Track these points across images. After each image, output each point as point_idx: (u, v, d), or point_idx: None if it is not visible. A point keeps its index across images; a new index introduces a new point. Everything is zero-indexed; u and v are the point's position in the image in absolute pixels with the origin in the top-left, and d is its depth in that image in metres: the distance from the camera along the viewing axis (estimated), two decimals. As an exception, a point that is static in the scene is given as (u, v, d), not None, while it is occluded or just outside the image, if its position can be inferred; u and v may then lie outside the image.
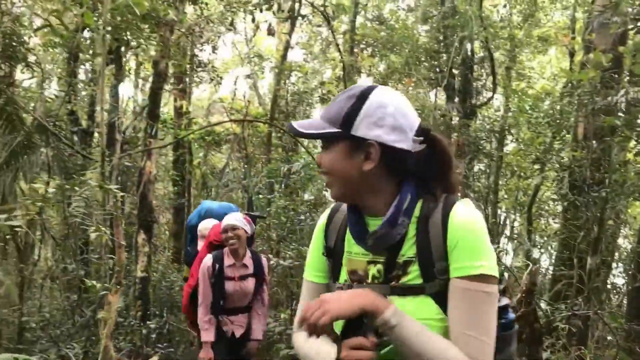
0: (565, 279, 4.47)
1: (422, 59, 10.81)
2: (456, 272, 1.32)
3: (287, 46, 10.81)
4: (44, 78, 6.49)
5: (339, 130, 1.39)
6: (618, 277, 9.82)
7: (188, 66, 10.84)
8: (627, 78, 4.86)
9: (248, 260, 4.12)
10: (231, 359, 4.01)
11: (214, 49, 11.33)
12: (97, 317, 2.89)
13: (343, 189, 1.45)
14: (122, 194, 3.81)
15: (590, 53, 4.61)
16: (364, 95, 1.40)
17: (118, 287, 2.86)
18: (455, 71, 11.08)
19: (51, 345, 5.19)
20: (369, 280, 1.44)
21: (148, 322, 5.97)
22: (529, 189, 11.76)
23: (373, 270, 1.44)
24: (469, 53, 11.15)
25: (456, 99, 10.92)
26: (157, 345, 5.57)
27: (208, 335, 3.92)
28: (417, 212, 1.41)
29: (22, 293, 6.29)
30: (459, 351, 1.28)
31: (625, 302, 7.85)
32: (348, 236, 1.51)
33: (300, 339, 1.55)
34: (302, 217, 6.46)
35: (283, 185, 8.18)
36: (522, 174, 11.65)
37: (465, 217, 1.35)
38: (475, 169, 10.45)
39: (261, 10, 7.34)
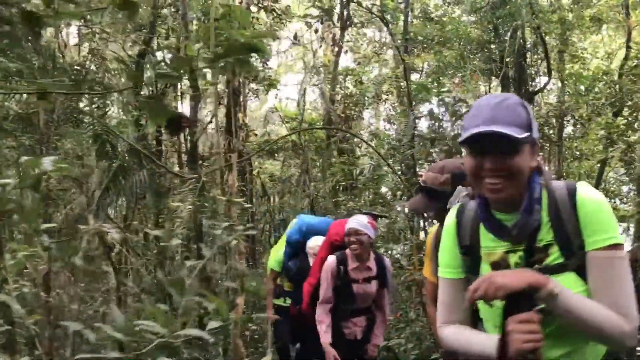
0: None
1: (475, 51, 10.87)
2: (593, 245, 1.52)
3: (339, 51, 11.06)
4: (124, 106, 6.95)
5: (528, 133, 1.56)
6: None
7: (243, 79, 11.24)
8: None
9: (372, 262, 4.12)
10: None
11: (267, 59, 11.70)
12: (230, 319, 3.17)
13: (518, 188, 1.58)
14: (248, 205, 4.11)
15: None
16: (523, 103, 1.63)
17: (242, 291, 3.15)
18: (507, 59, 11.11)
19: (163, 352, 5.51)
20: (512, 268, 1.61)
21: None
22: (592, 171, 11.62)
23: (514, 258, 1.62)
24: (521, 41, 11.15)
25: (511, 88, 10.97)
26: (258, 344, 5.91)
27: (327, 336, 3.93)
28: (544, 199, 1.60)
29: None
30: (613, 313, 1.48)
31: None
32: (483, 232, 1.68)
33: (448, 332, 1.75)
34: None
35: (350, 187, 8.45)
36: (583, 157, 11.52)
37: (591, 195, 1.56)
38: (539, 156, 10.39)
39: (322, 22, 7.63)
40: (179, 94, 10.76)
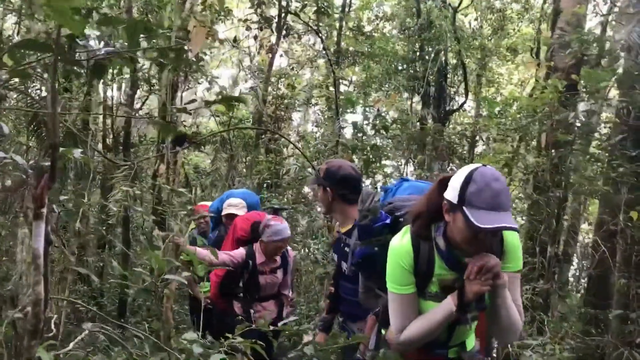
0: (530, 265, 5.31)
1: (400, 67, 11.62)
2: (511, 268, 2.17)
3: (274, 54, 11.47)
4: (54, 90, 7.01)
5: None
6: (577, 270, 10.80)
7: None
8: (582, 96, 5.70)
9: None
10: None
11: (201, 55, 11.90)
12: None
13: None
14: (190, 196, 4.42)
15: (550, 78, 5.44)
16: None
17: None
18: (430, 78, 11.92)
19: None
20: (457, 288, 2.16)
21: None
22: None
23: (459, 282, 2.14)
24: (443, 62, 12.01)
25: (431, 106, 11.79)
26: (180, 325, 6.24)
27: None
28: None
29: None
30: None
31: (584, 290, 8.72)
32: (438, 263, 2.19)
33: (408, 329, 2.21)
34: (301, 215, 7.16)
35: (275, 185, 8.89)
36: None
37: (512, 233, 2.18)
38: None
39: (261, 29, 8.02)
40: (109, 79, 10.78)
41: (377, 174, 7.68)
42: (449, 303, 2.14)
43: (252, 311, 4.44)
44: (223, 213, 4.88)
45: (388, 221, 2.38)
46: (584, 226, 12.82)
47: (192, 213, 4.39)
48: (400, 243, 2.23)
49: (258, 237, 4.43)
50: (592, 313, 6.71)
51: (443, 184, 2.13)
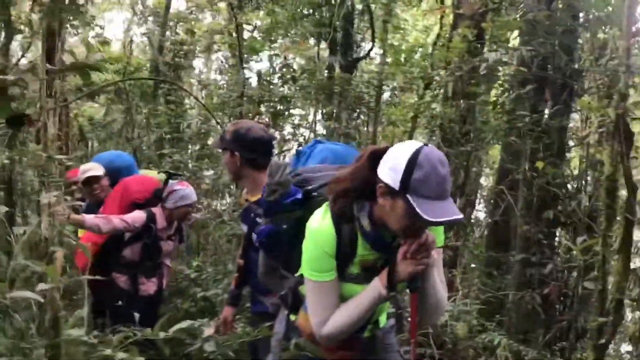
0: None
1: (306, 12, 11.19)
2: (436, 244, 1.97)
3: (171, -4, 10.69)
4: None
5: None
6: (480, 212, 11.24)
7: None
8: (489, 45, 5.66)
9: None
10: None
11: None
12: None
13: None
14: (70, 163, 3.92)
15: (458, 26, 5.35)
16: None
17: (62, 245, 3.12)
18: (336, 24, 11.61)
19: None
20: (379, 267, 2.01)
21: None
22: (404, 136, 12.76)
23: (380, 262, 2.02)
24: (349, 7, 11.72)
25: (338, 53, 11.53)
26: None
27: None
28: None
29: None
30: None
31: (485, 234, 9.07)
32: (361, 244, 1.99)
33: (332, 320, 2.00)
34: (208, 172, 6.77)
35: (177, 139, 8.39)
36: (397, 123, 12.58)
37: None
38: (359, 120, 11.17)
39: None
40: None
41: (285, 125, 7.41)
42: (376, 286, 1.94)
43: (140, 282, 4.14)
44: (81, 180, 4.30)
45: (299, 196, 2.13)
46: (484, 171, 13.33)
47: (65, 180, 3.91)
48: (321, 225, 1.99)
49: (156, 202, 4.10)
50: (494, 257, 6.95)
51: (373, 159, 1.90)
